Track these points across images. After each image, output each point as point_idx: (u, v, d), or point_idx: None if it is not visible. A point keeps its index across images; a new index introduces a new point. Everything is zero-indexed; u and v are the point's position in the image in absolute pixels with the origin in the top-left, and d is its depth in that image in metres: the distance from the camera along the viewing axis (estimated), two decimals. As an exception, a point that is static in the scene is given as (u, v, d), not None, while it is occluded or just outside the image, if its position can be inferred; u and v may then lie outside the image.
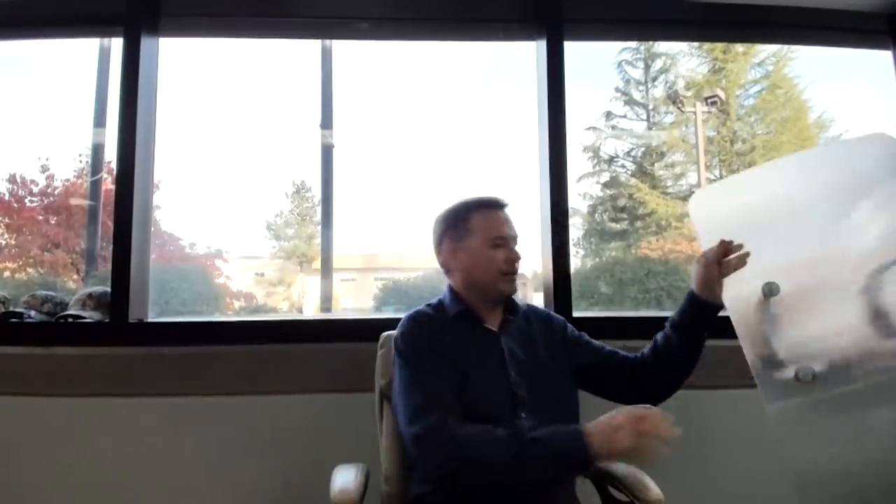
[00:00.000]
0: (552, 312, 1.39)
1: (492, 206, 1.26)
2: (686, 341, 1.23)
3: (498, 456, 0.99)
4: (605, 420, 0.99)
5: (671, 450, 0.95)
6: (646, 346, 1.28)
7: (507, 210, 1.28)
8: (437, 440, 1.02)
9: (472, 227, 1.24)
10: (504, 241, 1.22)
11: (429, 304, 1.27)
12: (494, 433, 1.01)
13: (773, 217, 1.27)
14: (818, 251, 1.23)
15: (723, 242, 1.21)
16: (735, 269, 1.21)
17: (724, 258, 1.21)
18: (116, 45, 1.93)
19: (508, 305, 1.27)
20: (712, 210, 1.35)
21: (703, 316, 1.22)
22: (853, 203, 1.22)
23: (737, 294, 1.23)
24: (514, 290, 1.25)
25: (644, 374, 1.25)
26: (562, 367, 1.25)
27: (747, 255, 1.21)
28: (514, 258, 1.23)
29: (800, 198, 1.27)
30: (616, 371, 1.26)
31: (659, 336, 1.27)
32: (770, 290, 1.21)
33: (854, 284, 1.17)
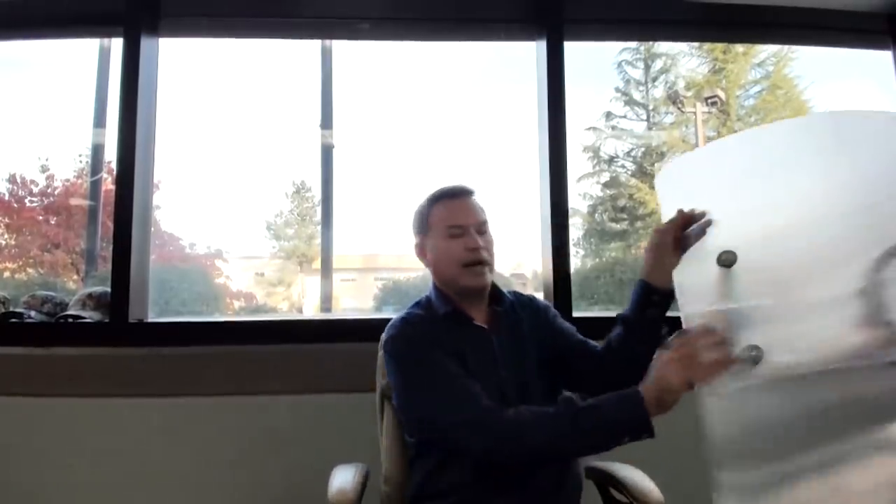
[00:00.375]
0: (534, 296, 1.35)
1: (450, 196, 1.21)
2: (637, 340, 1.11)
3: (549, 433, 0.97)
4: (651, 370, 0.94)
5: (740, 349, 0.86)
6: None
7: (472, 197, 1.22)
8: (484, 425, 1.00)
9: (432, 221, 1.21)
10: (462, 230, 1.16)
11: (417, 304, 1.24)
12: (541, 411, 1.00)
13: (753, 193, 1.04)
14: (806, 245, 1.01)
15: (681, 212, 1.07)
16: (695, 241, 1.04)
17: (685, 230, 1.07)
18: (116, 45, 1.93)
19: (494, 295, 1.23)
20: (682, 184, 1.14)
21: (649, 302, 1.10)
22: (857, 193, 1.01)
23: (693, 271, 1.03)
24: (480, 283, 1.18)
25: (603, 371, 1.16)
26: (548, 359, 1.21)
27: (709, 223, 1.04)
28: (473, 246, 1.15)
29: (793, 175, 1.03)
30: (585, 360, 1.21)
31: (613, 334, 1.16)
32: (727, 260, 1.02)
33: (848, 283, 0.96)
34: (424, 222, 1.23)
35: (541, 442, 0.99)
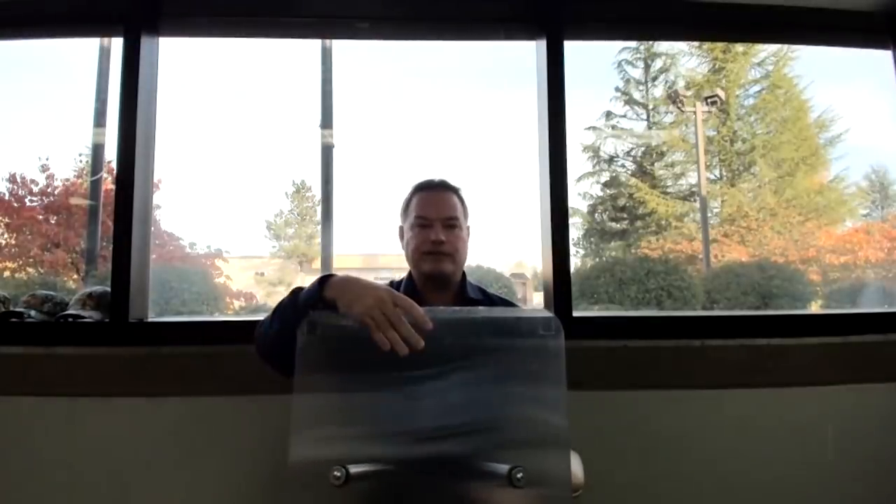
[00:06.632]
0: (503, 299, 1.36)
1: (426, 188, 1.31)
2: None
3: (271, 314, 1.08)
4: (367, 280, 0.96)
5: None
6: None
7: (448, 192, 1.30)
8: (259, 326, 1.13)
9: (409, 208, 1.31)
10: (427, 221, 1.25)
11: (391, 282, 1.33)
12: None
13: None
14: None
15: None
16: None
17: None
18: (116, 45, 1.92)
19: (462, 294, 1.29)
20: None
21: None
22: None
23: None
24: (436, 269, 1.24)
25: None
26: None
27: None
28: (434, 238, 1.23)
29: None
30: None
31: None
32: None
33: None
34: (405, 208, 1.33)
35: (267, 322, 1.08)
